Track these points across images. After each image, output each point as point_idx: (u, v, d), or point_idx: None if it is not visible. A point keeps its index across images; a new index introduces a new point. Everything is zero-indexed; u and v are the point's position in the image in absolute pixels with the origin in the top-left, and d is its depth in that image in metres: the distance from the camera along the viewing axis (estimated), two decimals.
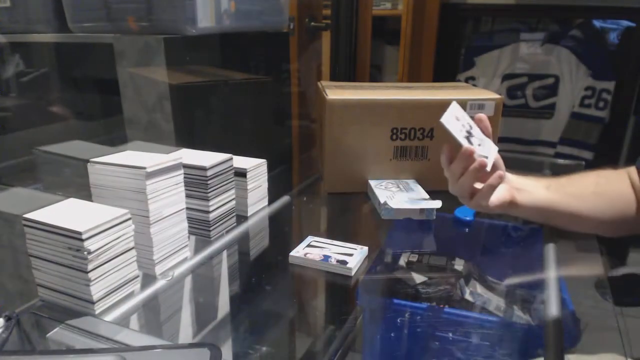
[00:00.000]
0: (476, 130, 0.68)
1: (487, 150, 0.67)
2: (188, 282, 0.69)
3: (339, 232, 0.91)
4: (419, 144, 0.97)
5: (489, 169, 0.65)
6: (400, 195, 0.90)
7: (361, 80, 1.58)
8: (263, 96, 1.18)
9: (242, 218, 0.85)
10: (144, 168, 0.61)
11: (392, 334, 0.71)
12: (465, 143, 0.64)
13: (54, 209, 0.59)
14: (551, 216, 0.73)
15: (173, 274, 0.67)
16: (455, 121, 0.66)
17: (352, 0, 1.46)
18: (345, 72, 1.52)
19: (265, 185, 0.90)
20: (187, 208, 0.70)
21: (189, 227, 0.71)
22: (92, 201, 0.67)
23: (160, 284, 0.66)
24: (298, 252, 0.74)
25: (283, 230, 0.93)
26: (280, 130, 1.33)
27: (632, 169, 0.71)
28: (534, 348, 0.59)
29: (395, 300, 0.70)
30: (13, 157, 0.94)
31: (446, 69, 1.78)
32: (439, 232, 0.88)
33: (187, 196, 0.71)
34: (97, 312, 0.57)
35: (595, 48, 1.61)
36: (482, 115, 0.68)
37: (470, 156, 0.64)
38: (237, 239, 0.81)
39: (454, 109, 0.67)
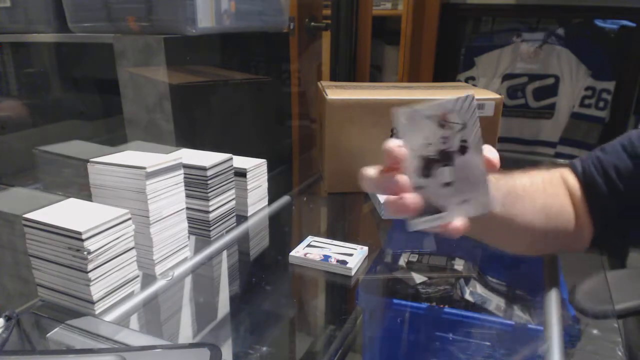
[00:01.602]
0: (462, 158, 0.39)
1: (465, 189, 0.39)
2: (188, 282, 0.69)
3: (339, 232, 0.92)
4: None
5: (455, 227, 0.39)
6: None
7: (361, 80, 1.58)
8: (263, 96, 1.18)
9: (242, 218, 0.85)
10: (144, 168, 0.61)
11: (392, 334, 0.72)
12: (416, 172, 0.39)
13: (54, 209, 0.59)
14: (487, 234, 0.55)
15: (173, 274, 0.67)
16: (416, 130, 0.38)
17: (352, 1, 1.46)
18: (345, 72, 1.52)
19: (265, 185, 0.90)
20: (187, 208, 0.70)
21: (189, 227, 0.71)
22: (92, 201, 0.67)
23: (160, 284, 0.65)
24: (298, 252, 0.74)
25: (283, 230, 0.93)
26: (280, 130, 1.33)
27: (566, 172, 0.58)
28: (533, 348, 0.59)
29: (395, 300, 0.70)
30: (12, 157, 0.94)
31: (446, 69, 1.78)
32: None
33: (187, 196, 0.71)
34: (97, 312, 0.57)
35: (595, 48, 1.61)
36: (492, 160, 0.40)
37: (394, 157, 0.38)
38: (237, 239, 0.81)
39: (426, 111, 0.38)
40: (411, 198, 0.38)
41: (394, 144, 0.38)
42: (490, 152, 0.40)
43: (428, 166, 0.39)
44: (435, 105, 0.38)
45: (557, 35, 1.63)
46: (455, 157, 0.39)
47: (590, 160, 0.57)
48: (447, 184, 0.39)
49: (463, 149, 0.39)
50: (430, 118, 0.38)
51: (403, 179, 0.38)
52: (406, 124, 0.38)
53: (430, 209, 0.39)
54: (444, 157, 0.39)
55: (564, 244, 0.58)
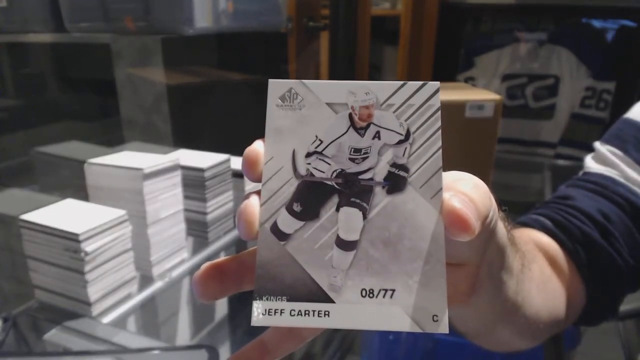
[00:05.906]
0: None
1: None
2: (185, 283, 0.69)
3: None
4: None
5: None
6: None
7: (360, 80, 1.58)
8: (261, 97, 1.18)
9: None
10: (141, 169, 0.61)
11: (391, 336, 0.71)
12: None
13: (51, 210, 0.59)
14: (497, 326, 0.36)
15: (170, 276, 0.67)
16: (303, 126, 0.21)
17: (350, 0, 1.45)
18: (344, 73, 1.52)
19: None
20: (185, 209, 0.70)
21: (187, 228, 0.71)
22: (89, 202, 0.67)
23: (157, 285, 0.65)
24: None
25: None
26: None
27: (534, 233, 0.44)
28: (534, 349, 0.59)
29: None
30: (9, 157, 0.94)
31: (445, 69, 1.78)
32: None
33: (185, 197, 0.71)
34: (94, 313, 0.57)
35: (595, 48, 1.61)
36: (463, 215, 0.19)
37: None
38: (235, 240, 0.80)
39: (329, 92, 0.22)
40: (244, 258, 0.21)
41: (253, 150, 0.21)
42: (462, 202, 0.19)
43: (313, 199, 0.20)
44: (353, 86, 0.21)
45: (557, 35, 1.63)
46: (375, 194, 0.20)
47: (561, 215, 0.45)
48: (346, 245, 0.19)
49: (397, 182, 0.20)
50: (334, 107, 0.21)
51: (250, 207, 0.19)
52: (285, 113, 0.21)
53: (302, 288, 0.19)
54: (352, 189, 0.20)
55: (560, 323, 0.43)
